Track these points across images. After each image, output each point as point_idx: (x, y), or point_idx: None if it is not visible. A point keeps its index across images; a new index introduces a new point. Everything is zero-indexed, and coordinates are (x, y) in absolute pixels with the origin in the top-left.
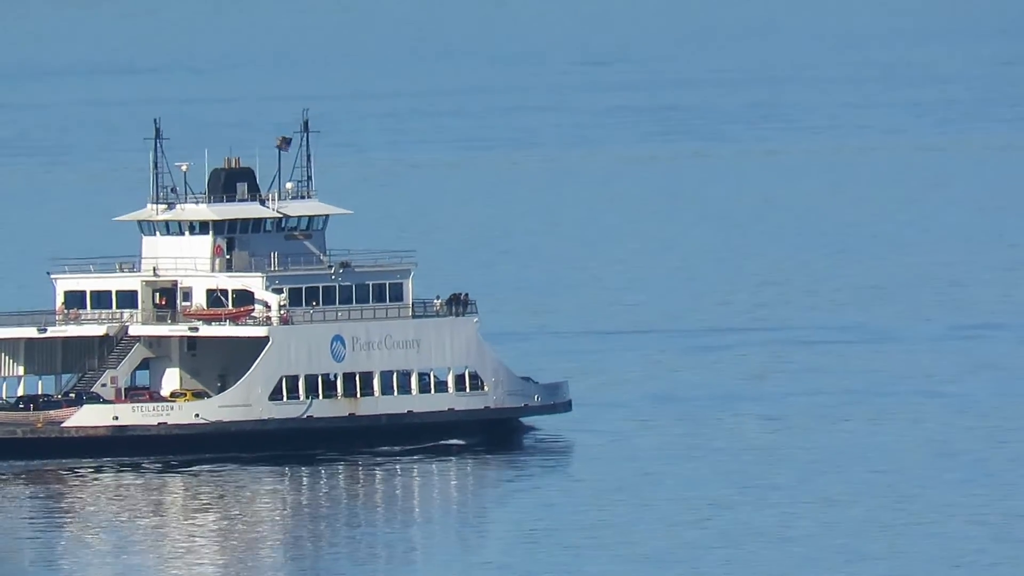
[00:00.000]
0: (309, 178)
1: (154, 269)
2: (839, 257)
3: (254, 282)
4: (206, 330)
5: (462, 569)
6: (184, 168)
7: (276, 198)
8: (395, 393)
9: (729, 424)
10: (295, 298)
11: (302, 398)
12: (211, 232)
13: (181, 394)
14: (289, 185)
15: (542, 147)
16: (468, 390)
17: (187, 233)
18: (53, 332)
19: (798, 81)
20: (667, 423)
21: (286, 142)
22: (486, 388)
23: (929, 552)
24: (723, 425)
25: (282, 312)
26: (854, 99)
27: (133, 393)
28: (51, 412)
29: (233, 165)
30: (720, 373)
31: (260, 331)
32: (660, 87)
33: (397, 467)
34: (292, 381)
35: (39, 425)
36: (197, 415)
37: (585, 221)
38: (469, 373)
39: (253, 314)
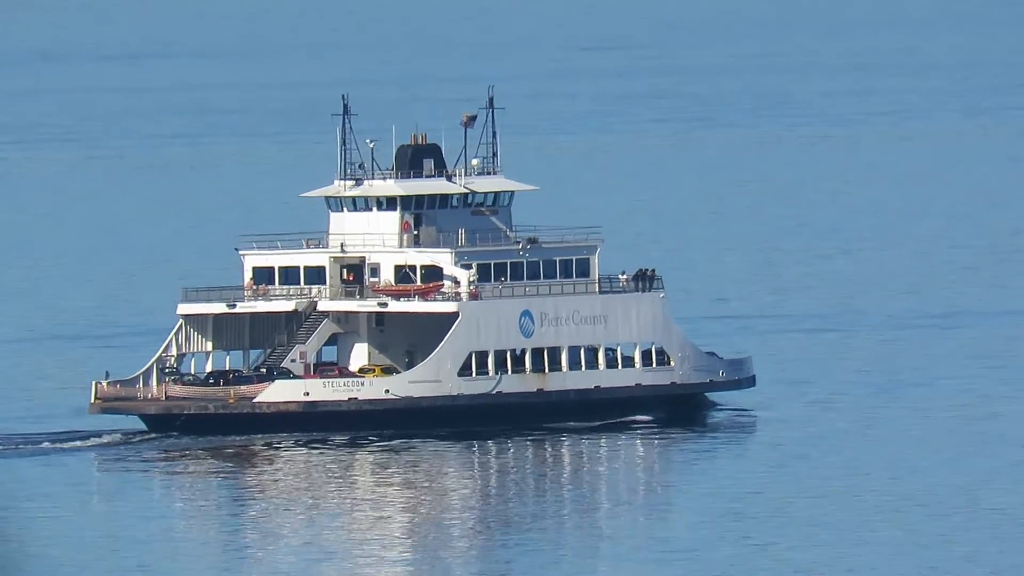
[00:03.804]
0: (494, 155)
1: (342, 245)
2: None
3: (443, 258)
4: (395, 306)
5: (649, 546)
6: (371, 144)
7: (462, 174)
8: (583, 368)
9: (918, 403)
10: (484, 274)
11: (491, 374)
12: (399, 208)
13: (369, 369)
14: (475, 161)
15: (727, 126)
16: (655, 365)
17: (375, 209)
18: (242, 308)
19: None
20: (854, 399)
21: (471, 119)
22: (672, 363)
23: None
24: (910, 404)
25: (471, 288)
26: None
27: (322, 368)
28: (242, 387)
29: (419, 142)
30: (905, 355)
31: (450, 307)
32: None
33: (583, 443)
34: (481, 357)
35: (231, 400)
36: (387, 391)
37: (777, 199)
38: (656, 348)
39: (442, 290)
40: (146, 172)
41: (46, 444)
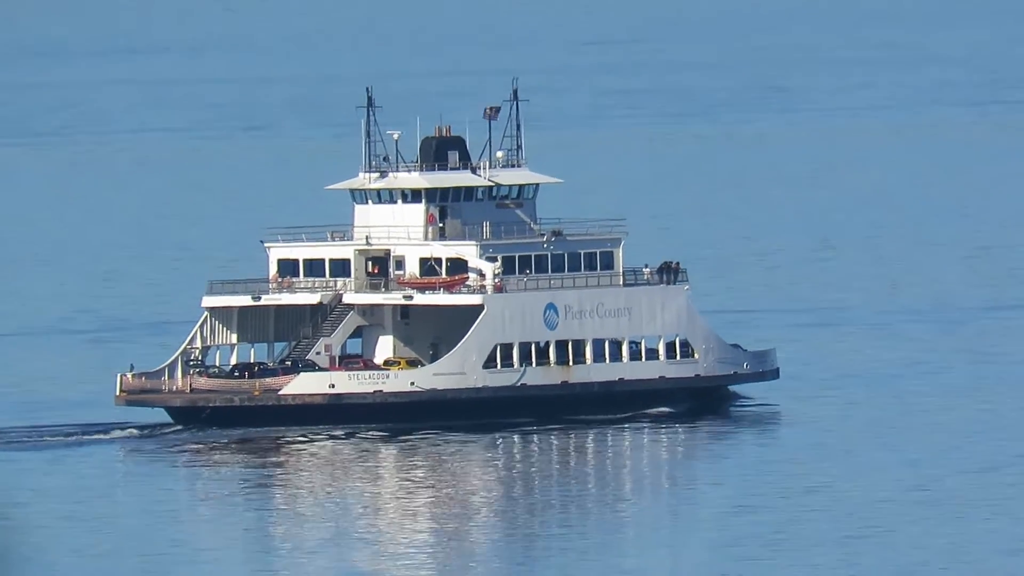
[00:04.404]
0: (519, 147)
1: (367, 238)
2: None
3: (468, 250)
4: (421, 298)
5: (674, 540)
6: (396, 137)
7: (487, 167)
8: (606, 361)
9: (941, 397)
10: (508, 266)
11: (516, 366)
12: (424, 200)
13: (394, 362)
14: (500, 154)
15: (750, 122)
16: (679, 358)
17: (400, 201)
18: (267, 300)
19: None
20: (880, 393)
21: (495, 111)
22: (696, 356)
23: None
24: (934, 398)
25: (496, 280)
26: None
27: (347, 361)
28: (267, 380)
29: (444, 134)
30: (933, 347)
31: (475, 299)
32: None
33: (607, 435)
34: (506, 349)
35: (256, 393)
36: (412, 383)
37: (797, 194)
38: (680, 341)
39: (467, 282)
40: (171, 164)
41: (71, 436)
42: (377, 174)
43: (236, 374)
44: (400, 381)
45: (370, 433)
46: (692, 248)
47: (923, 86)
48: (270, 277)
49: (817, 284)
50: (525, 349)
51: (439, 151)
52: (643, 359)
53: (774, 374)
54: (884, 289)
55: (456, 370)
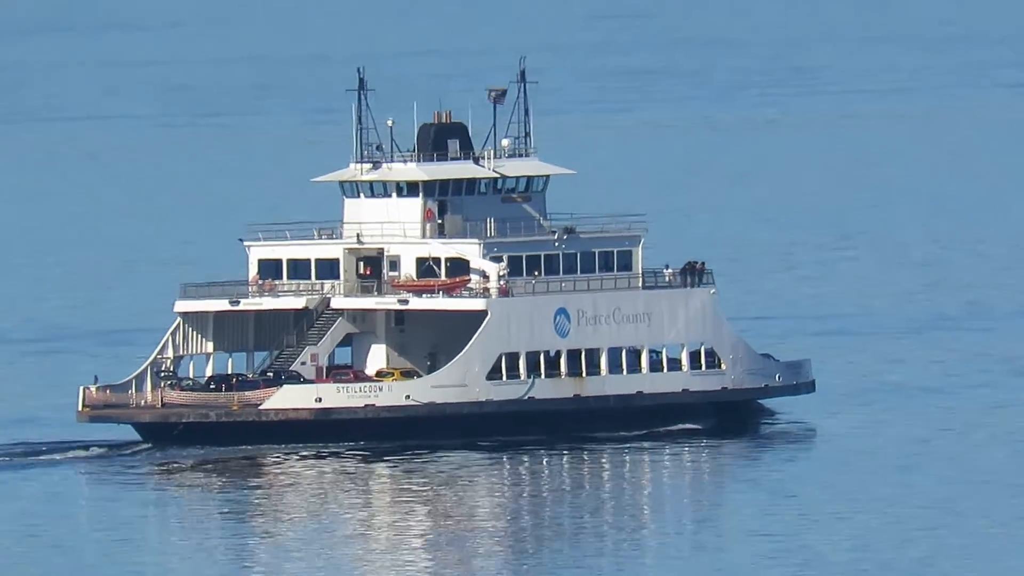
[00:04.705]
0: (527, 134)
1: (358, 235)
2: None
3: (470, 249)
4: (417, 303)
5: (697, 571)
6: (390, 123)
7: (491, 156)
8: (624, 372)
9: (986, 413)
10: (515, 267)
11: (523, 378)
12: (421, 194)
13: (388, 373)
14: (505, 142)
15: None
16: (704, 368)
17: (394, 195)
18: (246, 305)
19: None
20: (923, 407)
21: (501, 94)
22: (723, 366)
23: None
24: (979, 414)
25: (501, 283)
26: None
27: (335, 372)
28: (247, 393)
29: (443, 120)
30: (979, 359)
31: (478, 304)
32: None
33: (625, 455)
34: (512, 359)
35: (234, 407)
36: (408, 396)
37: (838, 183)
38: (705, 350)
39: (469, 285)
40: (139, 155)
41: (27, 456)
42: (369, 165)
43: (212, 387)
44: (394, 394)
45: (361, 452)
46: (715, 247)
47: (954, 66)
48: (250, 279)
49: (845, 285)
50: (533, 359)
51: (438, 139)
52: (664, 370)
53: (809, 387)
54: (920, 291)
55: (457, 382)
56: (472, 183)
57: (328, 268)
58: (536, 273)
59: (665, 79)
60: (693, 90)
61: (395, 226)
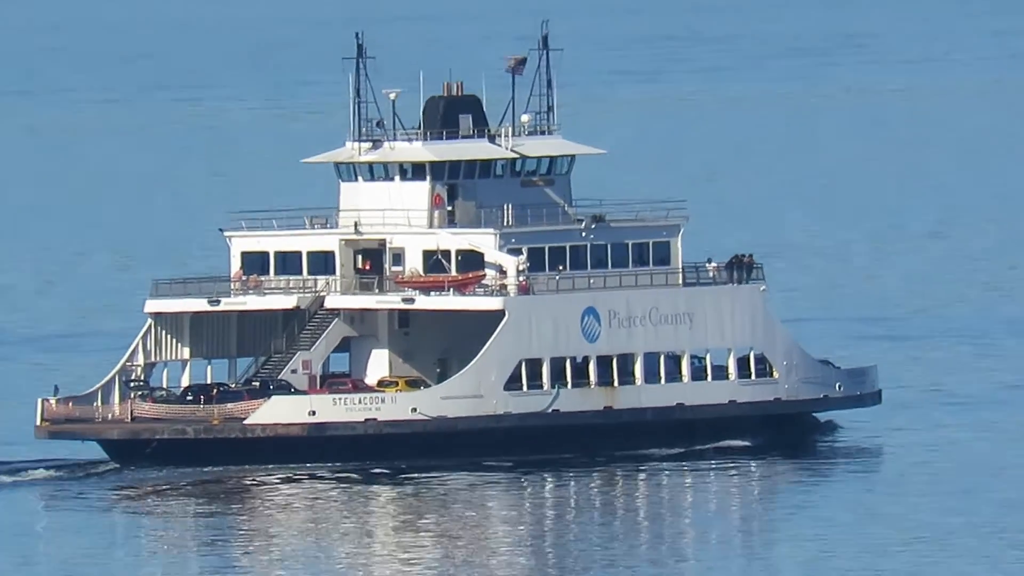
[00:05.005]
0: (549, 109)
1: (355, 224)
2: None
3: (485, 240)
4: (423, 302)
5: None
6: (393, 96)
7: (509, 134)
8: (661, 381)
9: None
10: (536, 261)
11: (546, 387)
12: (428, 177)
13: (391, 383)
14: (525, 117)
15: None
16: (753, 377)
17: (398, 178)
18: (228, 305)
19: None
20: (1003, 421)
21: (520, 63)
22: (775, 374)
23: None
24: None
25: (521, 279)
26: None
27: (331, 381)
28: (229, 406)
29: (454, 92)
30: None
31: (493, 303)
32: None
33: (663, 475)
34: (534, 366)
35: (215, 422)
36: (414, 409)
37: (898, 163)
38: (755, 355)
39: (484, 281)
40: (101, 134)
41: None
42: (369, 144)
43: (189, 398)
44: (399, 407)
45: (360, 473)
46: (764, 236)
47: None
48: (232, 275)
49: (908, 282)
50: (558, 366)
51: (448, 114)
52: (708, 379)
53: (874, 398)
54: (1002, 285)
55: (470, 393)
56: (487, 165)
57: (322, 262)
58: (560, 267)
59: (700, 46)
60: (730, 59)
61: (398, 214)
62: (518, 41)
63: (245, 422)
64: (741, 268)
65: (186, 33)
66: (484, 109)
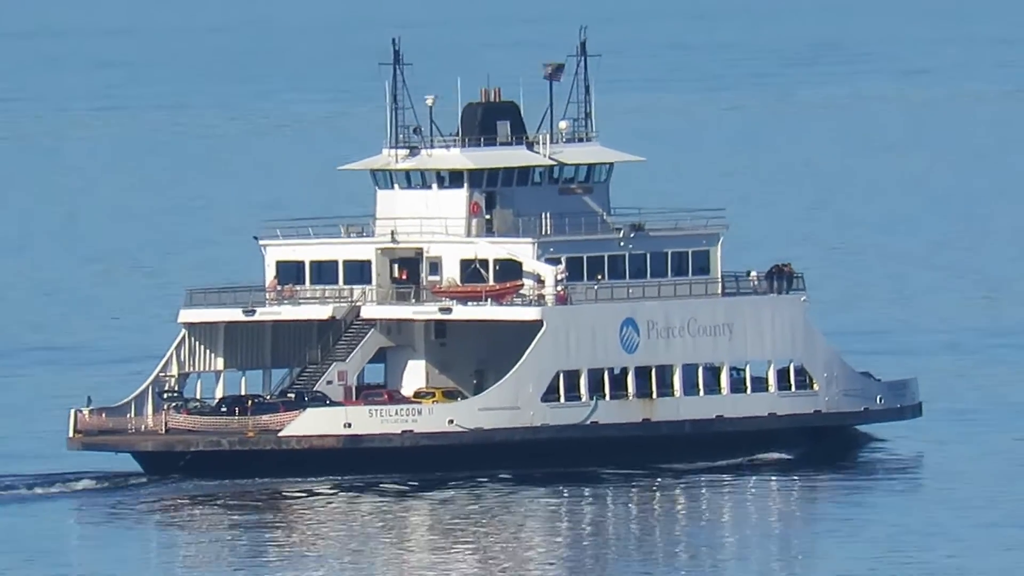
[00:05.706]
0: (587, 115)
1: (392, 233)
2: None
3: (523, 249)
4: (461, 311)
5: None
6: (430, 102)
7: (547, 141)
8: (700, 393)
9: None
10: (575, 270)
11: (584, 399)
12: (466, 185)
13: (428, 394)
14: (563, 124)
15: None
16: (794, 389)
17: (435, 186)
18: (262, 315)
19: None
20: None
21: (558, 70)
22: (816, 387)
23: None
24: None
25: (559, 289)
26: None
27: (367, 393)
28: (264, 417)
29: (492, 99)
30: None
31: (531, 313)
32: None
33: (702, 489)
34: (572, 378)
35: (250, 434)
36: (451, 421)
37: (950, 169)
38: (795, 367)
39: (522, 291)
40: (137, 140)
41: (9, 490)
42: (406, 151)
43: (223, 410)
44: (435, 418)
45: (397, 486)
46: (806, 247)
47: None
48: (267, 284)
49: (950, 292)
50: (596, 377)
51: (486, 121)
52: (748, 391)
53: (915, 411)
54: None
55: (508, 404)
56: (525, 172)
57: (358, 271)
58: (599, 277)
59: (739, 51)
60: (773, 67)
61: (436, 222)
62: (556, 46)
63: (280, 434)
64: (781, 278)
65: (242, 34)
66: (522, 116)
